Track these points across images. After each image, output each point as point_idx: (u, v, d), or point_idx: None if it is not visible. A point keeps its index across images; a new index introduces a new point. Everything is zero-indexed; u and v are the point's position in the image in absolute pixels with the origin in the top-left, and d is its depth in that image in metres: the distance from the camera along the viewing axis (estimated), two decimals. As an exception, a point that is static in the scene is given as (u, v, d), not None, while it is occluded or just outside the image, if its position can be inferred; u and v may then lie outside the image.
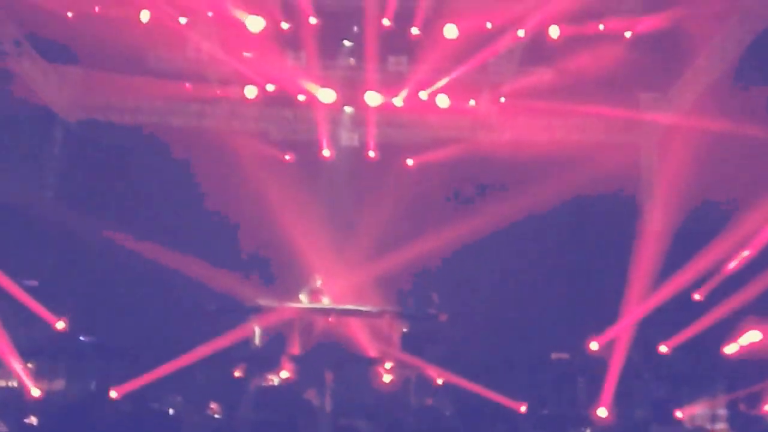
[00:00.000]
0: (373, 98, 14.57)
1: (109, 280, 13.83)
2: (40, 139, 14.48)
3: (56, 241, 13.66)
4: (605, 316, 13.05)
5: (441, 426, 9.09)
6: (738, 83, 12.66)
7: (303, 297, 13.86)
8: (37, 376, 12.34)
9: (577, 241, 14.37)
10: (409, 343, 13.57)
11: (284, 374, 13.13)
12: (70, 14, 12.75)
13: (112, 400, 11.06)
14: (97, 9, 12.74)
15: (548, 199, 13.88)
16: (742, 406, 12.25)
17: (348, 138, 15.33)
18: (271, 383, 11.87)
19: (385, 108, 14.69)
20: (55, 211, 13.76)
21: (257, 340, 13.73)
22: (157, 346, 12.45)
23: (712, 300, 13.12)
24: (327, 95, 14.36)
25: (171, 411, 8.47)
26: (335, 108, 14.94)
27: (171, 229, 13.71)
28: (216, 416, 9.24)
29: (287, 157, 15.54)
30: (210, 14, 13.19)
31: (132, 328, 13.16)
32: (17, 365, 11.79)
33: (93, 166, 14.68)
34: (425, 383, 13.14)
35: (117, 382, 11.70)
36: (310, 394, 11.91)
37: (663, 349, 13.31)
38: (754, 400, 12.37)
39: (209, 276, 13.02)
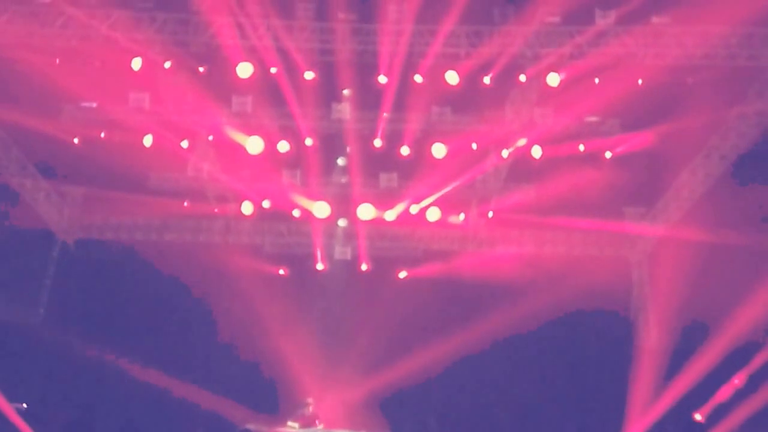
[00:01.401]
0: (365, 212, 15.02)
1: (98, 402, 13.85)
2: (37, 258, 14.72)
3: (46, 362, 13.73)
4: None
5: None
6: (736, 182, 12.77)
7: (292, 423, 13.75)
8: None
9: (571, 358, 14.47)
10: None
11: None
12: (76, 140, 13.34)
13: None
14: (102, 135, 13.31)
15: (541, 315, 14.06)
16: None
17: (341, 252, 15.65)
18: None
19: (377, 222, 15.10)
20: (47, 331, 13.89)
21: (248, 464, 13.69)
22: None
23: (715, 418, 13.19)
24: (321, 209, 14.81)
25: None
26: (329, 222, 15.38)
27: (162, 349, 13.86)
28: None
29: (281, 272, 15.85)
30: (210, 138, 13.75)
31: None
32: None
33: (87, 285, 14.87)
34: None
35: None
36: None
37: None
38: None
39: (200, 398, 13.13)
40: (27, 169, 14.00)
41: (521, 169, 14.24)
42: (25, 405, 12.88)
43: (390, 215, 15.02)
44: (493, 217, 15.02)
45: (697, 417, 13.59)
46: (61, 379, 13.83)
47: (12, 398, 12.59)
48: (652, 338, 14.06)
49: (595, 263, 14.86)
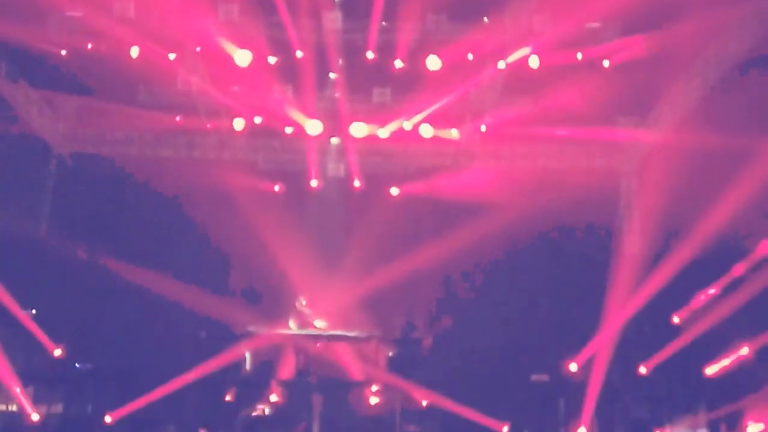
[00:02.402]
0: (358, 129, 14.91)
1: (104, 308, 14.09)
2: (35, 171, 14.78)
3: (52, 271, 13.89)
4: (584, 338, 13.37)
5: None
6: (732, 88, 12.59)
7: (292, 323, 14.19)
8: (36, 400, 12.67)
9: (557, 265, 14.63)
10: (395, 367, 13.90)
11: (273, 398, 13.44)
12: (63, 52, 13.11)
13: (107, 425, 11.32)
14: (89, 46, 13.08)
15: (530, 225, 14.19)
16: (723, 427, 12.50)
17: (334, 168, 15.64)
18: (259, 411, 12.13)
19: (370, 139, 15.02)
20: (51, 241, 14.03)
21: (248, 366, 14.05)
22: (150, 372, 12.78)
23: (692, 321, 13.40)
24: (314, 127, 14.69)
25: None
26: (322, 139, 15.27)
27: (162, 258, 13.99)
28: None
29: (276, 188, 15.86)
30: (198, 49, 13.50)
31: (126, 354, 13.48)
32: (17, 390, 12.22)
33: (86, 197, 14.94)
34: (410, 405, 13.46)
35: (112, 406, 12.01)
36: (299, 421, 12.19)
37: (643, 370, 13.52)
38: (735, 419, 12.61)
39: (201, 303, 13.32)
40: (18, 82, 13.80)
41: (517, 82, 14.05)
42: (33, 311, 12.99)
43: (383, 132, 14.94)
44: (487, 131, 14.90)
45: (675, 320, 13.80)
46: (66, 286, 14.00)
47: (22, 305, 12.80)
48: (635, 245, 14.14)
49: (587, 175, 14.83)
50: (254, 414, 12.17)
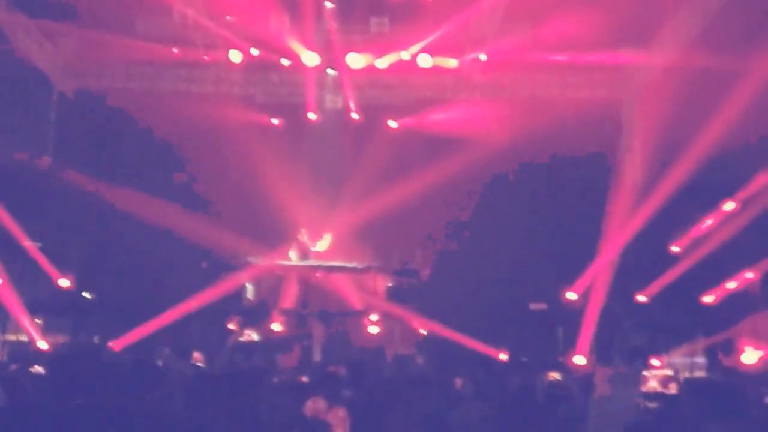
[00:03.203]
0: (355, 60, 14.80)
1: (108, 238, 14.32)
2: (37, 104, 14.80)
3: (57, 202, 14.05)
4: (583, 267, 13.41)
5: (416, 374, 9.54)
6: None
7: (292, 254, 14.37)
8: (44, 331, 12.97)
9: (556, 194, 14.66)
10: (394, 297, 14.10)
11: (275, 327, 13.70)
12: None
13: (112, 353, 11.52)
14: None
15: (530, 155, 14.19)
16: (719, 353, 12.71)
17: (332, 101, 15.57)
18: (247, 337, 12.35)
19: (368, 70, 14.90)
20: (56, 173, 14.18)
21: (249, 295, 14.30)
22: (153, 302, 12.96)
23: (691, 250, 13.47)
24: (311, 58, 14.59)
25: (159, 362, 8.92)
26: (319, 71, 15.17)
27: (164, 190, 14.12)
28: (198, 365, 9.71)
29: (275, 121, 15.84)
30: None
31: (130, 284, 13.71)
32: (26, 321, 12.47)
33: (89, 130, 15.03)
34: (409, 334, 13.70)
35: (117, 335, 12.21)
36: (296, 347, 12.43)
37: (641, 298, 13.65)
38: (731, 346, 12.82)
39: (202, 234, 13.47)
40: (16, 14, 13.69)
41: (518, 9, 13.77)
42: (39, 243, 13.27)
43: (381, 63, 14.80)
44: (487, 60, 14.74)
45: (674, 248, 13.87)
46: (72, 218, 14.21)
47: (28, 237, 13.00)
48: (634, 174, 14.13)
49: (587, 105, 14.67)
50: (243, 340, 12.37)
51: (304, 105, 15.41)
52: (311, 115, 15.53)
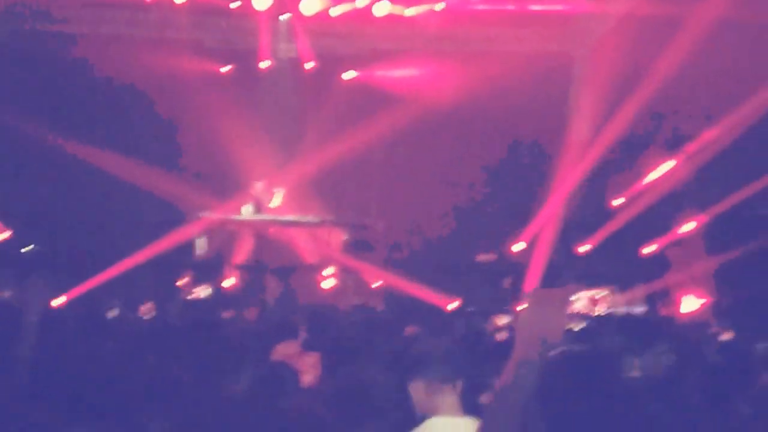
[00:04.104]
0: (308, 7, 14.43)
1: (52, 189, 13.76)
2: None
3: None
4: (530, 221, 13.83)
5: (374, 322, 9.59)
6: None
7: (245, 208, 14.07)
8: None
9: (508, 148, 14.80)
10: (348, 251, 14.06)
11: (228, 282, 13.53)
12: None
13: (57, 306, 11.19)
14: None
15: (482, 110, 14.18)
16: (659, 303, 13.11)
17: (286, 49, 15.18)
18: (196, 294, 12.12)
19: (322, 17, 14.55)
20: None
21: (199, 250, 14.03)
22: (100, 256, 12.62)
23: (632, 203, 13.81)
24: (261, 2, 14.13)
25: (109, 314, 8.72)
26: (272, 17, 14.75)
27: (111, 139, 13.54)
28: (146, 317, 9.54)
29: (225, 69, 15.34)
30: None
31: (76, 236, 13.33)
32: None
33: (28, 77, 14.14)
34: (363, 287, 13.76)
35: (63, 289, 11.84)
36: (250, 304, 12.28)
37: (582, 249, 14.04)
38: (669, 295, 13.32)
39: (152, 186, 13.11)
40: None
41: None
42: None
43: (335, 11, 14.48)
44: (443, 11, 14.59)
45: (615, 202, 14.27)
46: (11, 168, 13.60)
47: None
48: (582, 131, 14.35)
49: (542, 60, 14.72)
50: (192, 297, 12.12)
51: (256, 52, 14.93)
52: (264, 64, 15.10)
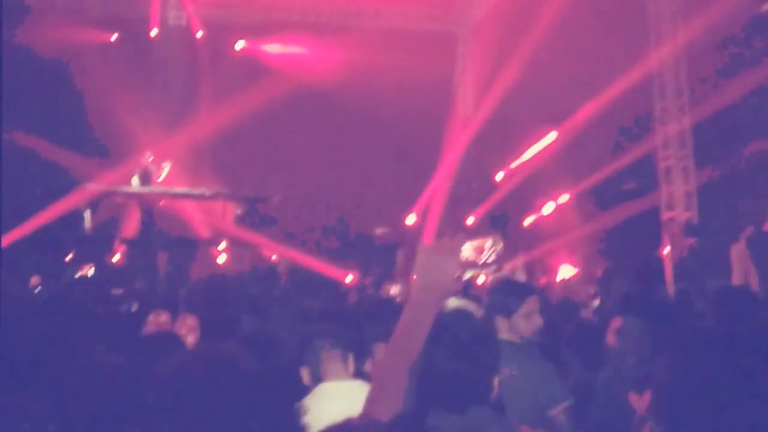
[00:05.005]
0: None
1: None
2: None
3: None
4: (421, 194, 14.39)
5: (274, 292, 9.61)
6: None
7: (135, 179, 13.61)
8: None
9: (399, 124, 15.08)
10: (243, 224, 13.94)
11: (116, 258, 13.10)
12: None
13: None
14: None
15: (373, 84, 14.30)
16: (537, 270, 13.79)
17: (176, 17, 14.72)
18: (84, 271, 11.67)
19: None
20: None
21: (87, 224, 13.50)
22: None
23: (513, 177, 14.66)
24: (150, -32, 13.63)
25: None
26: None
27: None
28: (36, 290, 9.16)
29: (112, 38, 14.74)
30: None
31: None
32: None
33: None
34: (258, 260, 13.68)
35: None
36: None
37: (469, 221, 14.78)
38: (548, 263, 14.09)
39: (36, 155, 12.49)
40: None
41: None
42: None
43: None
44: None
45: (497, 177, 15.11)
46: None
47: None
48: (467, 108, 14.86)
49: (430, 38, 15.06)
50: (79, 275, 11.64)
51: (144, 20, 14.44)
52: (153, 32, 14.59)
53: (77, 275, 11.54)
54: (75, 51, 13.55)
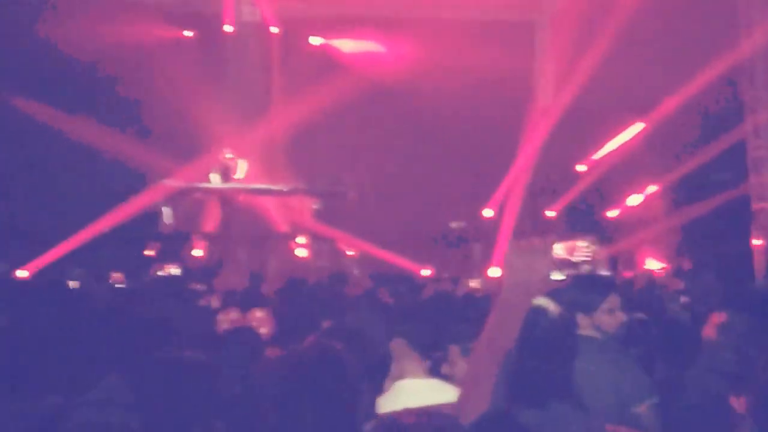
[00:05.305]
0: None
1: (10, 158, 13.30)
2: None
3: None
4: (497, 188, 14.21)
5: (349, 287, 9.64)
6: None
7: (213, 176, 13.87)
8: None
9: (476, 116, 14.88)
10: (321, 219, 14.05)
11: (196, 252, 13.39)
12: None
13: (21, 279, 10.88)
14: None
15: (448, 76, 14.15)
16: (620, 266, 13.45)
17: (250, 12, 14.88)
18: (166, 272, 11.90)
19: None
20: None
21: (167, 219, 13.85)
22: (63, 225, 12.31)
23: (596, 168, 14.31)
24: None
25: (73, 284, 8.52)
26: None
27: (70, 105, 13.04)
28: (117, 286, 9.41)
29: (188, 34, 14.97)
30: None
31: (37, 208, 12.98)
32: None
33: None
34: (336, 255, 13.80)
35: (25, 261, 11.53)
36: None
37: (549, 214, 14.50)
38: (632, 259, 13.73)
39: (114, 153, 12.85)
40: None
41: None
42: None
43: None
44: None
45: (579, 168, 14.77)
46: None
47: None
48: (546, 98, 14.53)
49: (507, 27, 14.77)
50: (162, 274, 11.87)
51: (219, 16, 14.56)
52: (227, 28, 14.78)
53: (159, 273, 11.84)
54: (152, 48, 13.85)
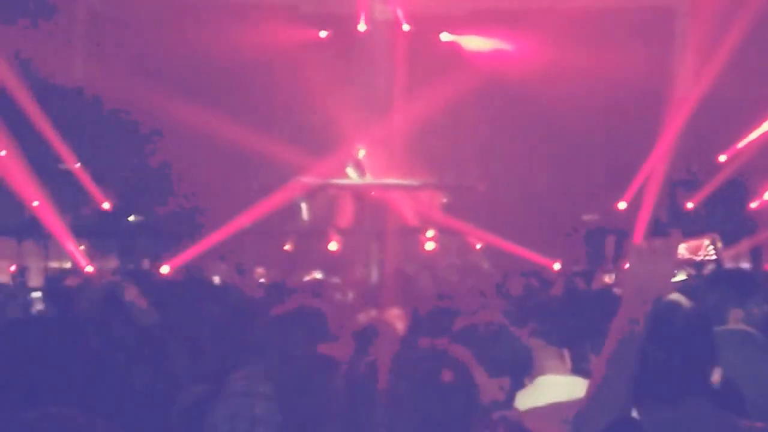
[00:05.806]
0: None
1: (150, 156, 14.04)
2: (63, 18, 13.88)
3: (94, 120, 13.67)
4: (632, 179, 13.49)
5: (480, 279, 9.62)
6: None
7: (349, 171, 14.15)
8: (90, 255, 12.38)
9: (608, 108, 14.33)
10: (450, 213, 14.06)
11: (332, 246, 13.77)
12: None
13: (164, 275, 11.21)
14: None
15: (580, 66, 13.70)
16: (764, 258, 12.51)
17: (382, 11, 15.03)
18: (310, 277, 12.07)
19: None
20: (90, 90, 13.54)
21: (304, 215, 14.34)
22: (201, 222, 12.91)
23: (737, 159, 13.40)
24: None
25: (216, 279, 8.88)
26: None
27: (208, 105, 13.23)
28: (262, 281, 9.77)
29: (322, 34, 15.32)
30: None
31: (176, 204, 13.64)
32: (70, 245, 11.78)
33: (119, 43, 14.25)
34: (465, 248, 13.75)
35: (167, 257, 11.77)
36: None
37: (689, 206, 13.71)
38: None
39: (250, 151, 13.27)
40: None
41: None
42: (78, 164, 12.91)
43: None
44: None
45: (721, 158, 13.80)
46: (110, 136, 13.90)
47: (65, 159, 12.68)
48: (686, 88, 13.71)
49: (641, 14, 14.10)
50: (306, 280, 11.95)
51: (352, 16, 14.82)
52: (361, 27, 15.01)
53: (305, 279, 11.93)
54: (288, 49, 14.28)
